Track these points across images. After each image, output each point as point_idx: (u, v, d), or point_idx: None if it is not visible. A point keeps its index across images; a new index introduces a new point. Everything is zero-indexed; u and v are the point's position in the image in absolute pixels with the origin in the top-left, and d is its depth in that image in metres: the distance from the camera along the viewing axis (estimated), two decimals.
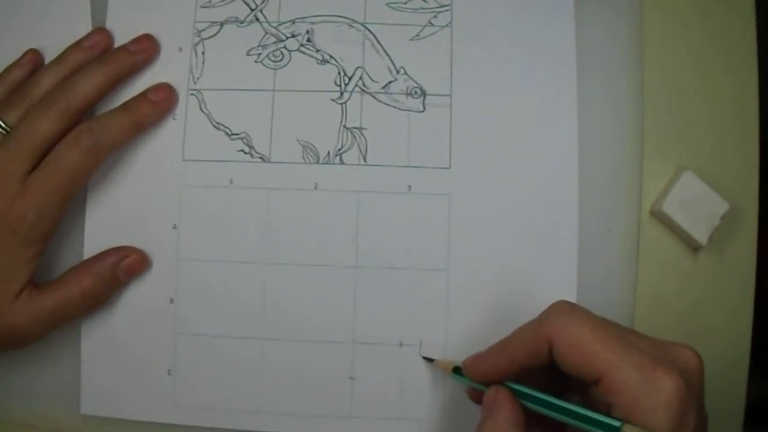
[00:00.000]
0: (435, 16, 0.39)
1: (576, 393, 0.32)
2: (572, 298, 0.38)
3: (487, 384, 0.32)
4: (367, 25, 0.40)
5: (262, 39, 0.40)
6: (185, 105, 0.39)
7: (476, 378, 0.33)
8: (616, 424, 0.28)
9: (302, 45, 0.40)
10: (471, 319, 0.38)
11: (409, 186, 0.38)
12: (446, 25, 0.39)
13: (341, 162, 0.39)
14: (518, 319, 0.38)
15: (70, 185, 0.36)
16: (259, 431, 0.38)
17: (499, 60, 0.39)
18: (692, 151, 0.40)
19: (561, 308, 0.31)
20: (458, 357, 0.38)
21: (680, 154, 0.40)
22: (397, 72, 0.39)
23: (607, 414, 0.28)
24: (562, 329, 0.29)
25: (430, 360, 0.37)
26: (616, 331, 0.29)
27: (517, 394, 0.31)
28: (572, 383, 0.32)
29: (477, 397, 0.34)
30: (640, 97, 0.40)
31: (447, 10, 0.40)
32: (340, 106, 0.39)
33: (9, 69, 0.39)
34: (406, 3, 0.40)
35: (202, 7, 0.40)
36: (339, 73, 0.39)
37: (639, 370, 0.28)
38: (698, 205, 0.38)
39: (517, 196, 0.38)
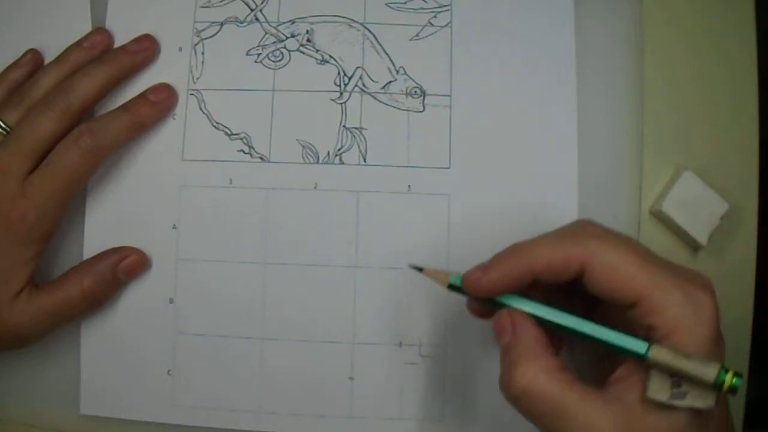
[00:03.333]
0: (435, 16, 0.39)
1: (582, 310, 0.31)
2: None
3: (487, 298, 0.31)
4: (366, 25, 0.40)
5: (262, 39, 0.40)
6: (185, 105, 0.39)
7: (480, 292, 0.31)
8: (642, 348, 0.28)
9: (302, 45, 0.40)
10: (470, 319, 0.38)
11: (409, 186, 0.38)
12: (446, 25, 0.39)
13: (341, 162, 0.39)
14: None
15: (70, 185, 0.36)
16: (258, 431, 0.38)
17: (499, 60, 0.39)
18: (692, 151, 0.40)
19: (594, 231, 0.30)
20: (457, 361, 0.38)
21: (680, 154, 0.40)
22: (397, 72, 0.39)
23: (642, 336, 0.28)
24: (599, 252, 0.29)
25: (419, 269, 0.33)
26: (647, 253, 0.29)
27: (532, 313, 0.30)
28: (578, 301, 0.31)
29: (479, 310, 0.33)
30: (639, 97, 0.40)
31: (447, 10, 0.40)
32: (339, 106, 0.39)
33: (9, 69, 0.39)
34: (405, 3, 0.40)
35: (202, 7, 0.40)
36: (339, 73, 0.39)
37: (680, 290, 0.28)
38: (698, 205, 0.38)
39: (516, 196, 0.38)
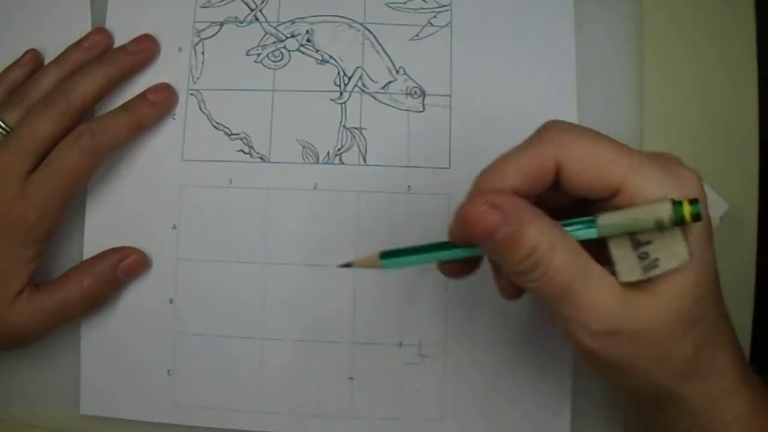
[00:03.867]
0: (435, 16, 0.39)
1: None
2: None
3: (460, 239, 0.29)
4: (366, 25, 0.40)
5: (262, 39, 0.40)
6: (185, 105, 0.39)
7: (469, 230, 0.27)
8: (592, 225, 0.27)
9: (302, 45, 0.40)
10: (470, 319, 0.38)
11: (409, 186, 0.38)
12: (446, 25, 0.39)
13: (341, 162, 0.39)
14: (518, 314, 0.38)
15: (71, 185, 0.36)
16: (258, 431, 0.38)
17: (499, 60, 0.39)
18: (691, 151, 0.40)
19: (560, 126, 0.28)
20: (456, 361, 0.38)
21: (679, 154, 0.39)
22: (397, 72, 0.39)
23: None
24: (572, 144, 0.27)
25: (347, 265, 0.32)
26: (619, 142, 0.28)
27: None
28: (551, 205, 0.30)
29: (450, 269, 0.31)
30: (639, 98, 0.40)
31: (446, 10, 0.40)
32: (339, 106, 0.39)
33: (9, 69, 0.39)
34: (405, 3, 0.40)
35: (202, 7, 0.40)
36: (338, 73, 0.39)
37: (660, 168, 0.27)
38: None
39: None
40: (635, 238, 0.27)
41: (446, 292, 0.38)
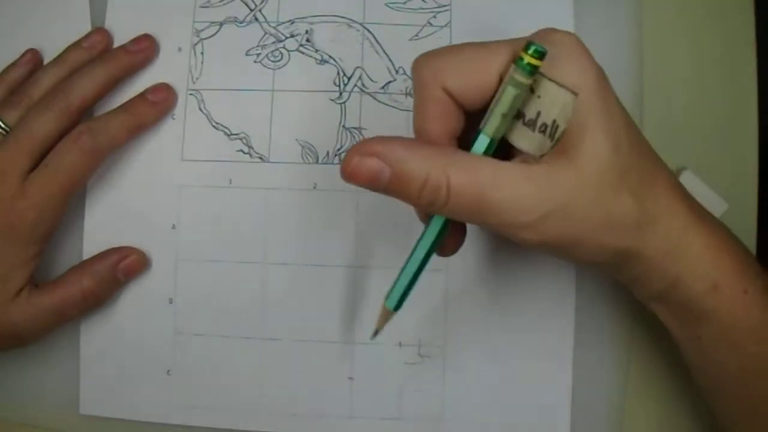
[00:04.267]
0: (434, 16, 0.39)
1: None
2: (571, 307, 0.38)
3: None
4: (366, 25, 0.40)
5: (261, 39, 0.40)
6: (184, 105, 0.39)
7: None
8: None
9: (301, 45, 0.40)
10: (470, 319, 0.38)
11: None
12: (445, 25, 0.39)
13: (340, 162, 0.39)
14: (517, 314, 0.38)
15: (70, 185, 0.36)
16: (258, 431, 0.38)
17: None
18: (690, 151, 0.40)
19: (426, 57, 0.29)
20: (456, 361, 0.38)
21: (678, 154, 0.39)
22: (397, 72, 0.39)
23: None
24: (445, 66, 0.28)
25: (375, 333, 0.33)
26: (488, 43, 0.29)
27: None
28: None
29: (441, 251, 0.32)
30: (639, 98, 0.40)
31: (446, 10, 0.40)
32: (339, 106, 0.39)
33: (8, 69, 0.39)
34: (405, 3, 0.40)
35: (201, 7, 0.40)
36: (338, 73, 0.39)
37: (521, 43, 0.28)
38: None
39: None
40: (528, 120, 0.28)
41: (446, 293, 0.38)
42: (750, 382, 0.31)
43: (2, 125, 0.37)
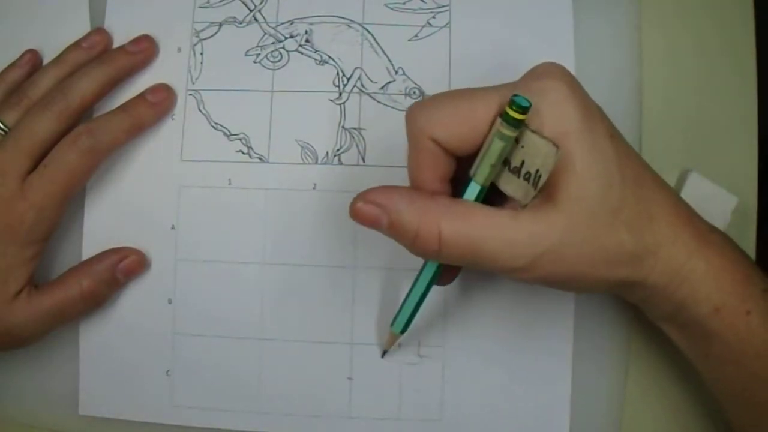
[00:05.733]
0: (433, 17, 0.39)
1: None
2: (570, 307, 0.38)
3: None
4: (365, 26, 0.40)
5: (261, 39, 0.40)
6: (184, 105, 0.39)
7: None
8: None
9: (301, 45, 0.40)
10: (469, 320, 0.38)
11: None
12: (445, 26, 0.39)
13: (340, 162, 0.39)
14: (516, 314, 0.38)
15: (69, 186, 0.36)
16: (257, 431, 0.38)
17: (498, 61, 0.39)
18: (690, 152, 0.40)
19: (416, 108, 0.31)
20: (455, 361, 0.38)
21: (678, 155, 0.39)
22: (396, 72, 0.39)
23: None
24: (432, 119, 0.30)
25: (384, 353, 0.38)
26: (476, 89, 0.30)
27: None
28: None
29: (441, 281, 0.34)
30: (638, 97, 0.40)
31: (445, 11, 0.39)
32: (338, 106, 0.39)
33: (7, 69, 0.39)
34: (404, 3, 0.40)
35: (201, 7, 0.40)
36: (337, 74, 0.39)
37: (510, 91, 0.29)
38: (708, 204, 0.38)
39: None
40: (513, 167, 0.29)
41: (445, 293, 0.38)
42: (756, 393, 0.31)
43: (1, 126, 0.37)
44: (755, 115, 0.40)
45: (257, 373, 0.38)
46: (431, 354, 0.38)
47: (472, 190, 0.30)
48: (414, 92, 0.39)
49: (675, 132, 0.40)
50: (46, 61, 0.40)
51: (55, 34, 0.40)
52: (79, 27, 0.40)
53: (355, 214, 0.30)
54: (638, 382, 0.39)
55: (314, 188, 0.39)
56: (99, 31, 0.40)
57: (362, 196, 0.30)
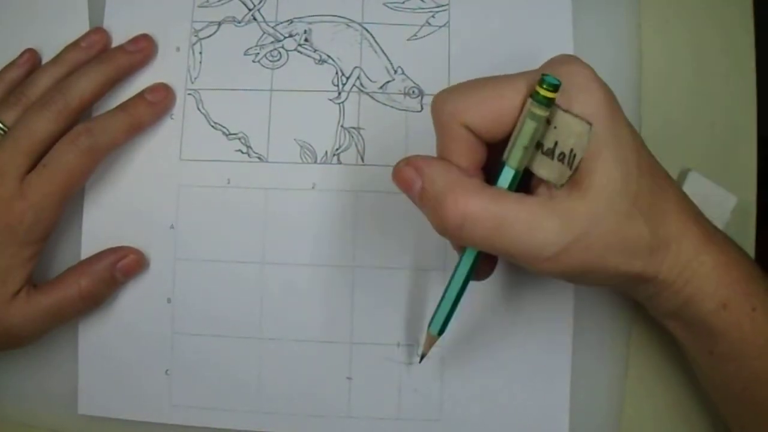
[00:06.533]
0: (433, 16, 0.39)
1: None
2: (569, 307, 0.38)
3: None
4: (364, 25, 0.40)
5: (260, 39, 0.40)
6: (183, 105, 0.39)
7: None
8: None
9: (300, 45, 0.40)
10: (468, 319, 0.38)
11: None
12: (444, 25, 0.39)
13: (339, 162, 0.39)
14: (516, 314, 0.38)
15: (68, 186, 0.36)
16: (256, 431, 0.38)
17: (497, 60, 0.39)
18: (689, 152, 0.40)
19: (443, 97, 0.30)
20: (454, 361, 0.38)
21: (677, 155, 0.39)
22: (395, 72, 0.39)
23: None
24: (463, 104, 0.29)
25: (422, 357, 0.36)
26: (501, 77, 0.30)
27: None
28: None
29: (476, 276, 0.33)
30: (638, 98, 0.40)
31: (444, 10, 0.39)
32: (337, 106, 0.39)
33: (6, 69, 0.39)
34: (403, 3, 0.40)
35: (200, 6, 0.40)
36: (336, 73, 0.39)
37: (537, 74, 0.28)
38: (708, 203, 0.38)
39: None
40: (546, 149, 0.29)
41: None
42: (757, 392, 0.31)
43: (0, 125, 0.37)
44: (754, 115, 0.40)
45: (256, 373, 0.38)
46: (430, 354, 0.38)
47: (506, 175, 0.29)
48: (413, 92, 0.39)
49: (675, 131, 0.40)
50: (45, 60, 0.40)
51: (55, 33, 0.40)
52: (78, 26, 0.40)
53: (395, 174, 0.30)
54: (638, 377, 0.39)
55: (313, 188, 0.39)
56: (98, 31, 0.40)
57: (406, 159, 0.30)
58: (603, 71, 0.39)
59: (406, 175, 0.30)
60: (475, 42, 0.39)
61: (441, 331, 0.34)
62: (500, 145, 0.30)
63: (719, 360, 0.32)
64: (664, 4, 0.40)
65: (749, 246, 0.39)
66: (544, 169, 0.29)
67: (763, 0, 0.41)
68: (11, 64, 0.39)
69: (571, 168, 0.28)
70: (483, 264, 0.32)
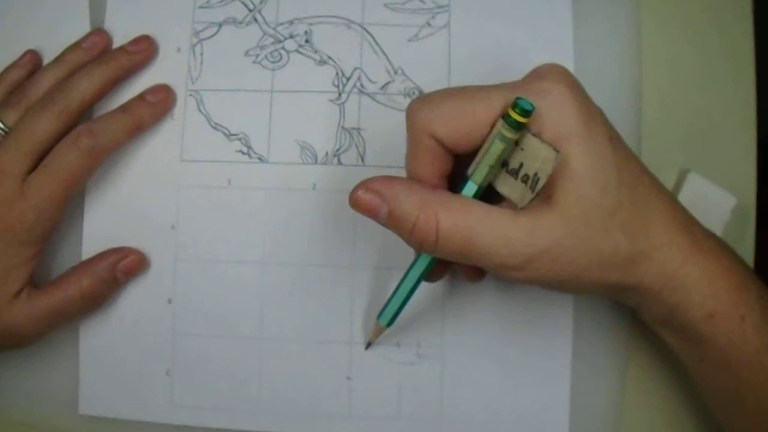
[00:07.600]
0: (433, 17, 0.40)
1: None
2: (569, 307, 0.38)
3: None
4: (365, 26, 0.40)
5: (261, 40, 0.40)
6: (183, 105, 0.39)
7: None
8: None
9: (300, 46, 0.40)
10: (468, 319, 0.38)
11: None
12: (444, 26, 0.39)
13: (339, 163, 0.39)
14: (515, 314, 0.38)
15: (69, 186, 0.36)
16: (256, 431, 0.38)
17: (497, 61, 0.39)
18: (689, 152, 0.40)
19: (416, 105, 0.31)
20: (454, 361, 0.38)
21: (677, 155, 0.40)
22: (395, 73, 0.39)
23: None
24: (433, 115, 0.30)
25: (368, 345, 0.37)
26: (477, 88, 0.30)
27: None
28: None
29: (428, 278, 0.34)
30: (638, 99, 0.40)
31: (445, 11, 0.40)
32: (338, 106, 0.39)
33: (8, 70, 0.39)
34: (404, 4, 0.40)
35: (201, 7, 0.40)
36: (337, 74, 0.39)
37: (512, 92, 0.29)
38: (707, 203, 0.38)
39: None
40: (511, 168, 0.29)
41: (444, 293, 0.38)
42: (748, 399, 0.31)
43: (1, 126, 0.37)
44: (754, 115, 0.40)
45: (257, 373, 0.38)
46: (430, 354, 0.38)
47: (469, 189, 0.30)
48: (413, 92, 0.39)
49: (674, 132, 0.40)
50: (46, 61, 0.40)
51: (56, 34, 0.40)
52: (79, 27, 0.40)
53: (355, 203, 0.30)
54: (637, 381, 0.39)
55: (314, 188, 0.39)
56: (99, 32, 0.40)
57: (363, 185, 0.30)
58: (603, 72, 0.40)
59: (369, 202, 0.30)
60: (475, 43, 0.39)
61: (389, 323, 0.35)
62: (469, 155, 0.30)
63: (709, 367, 0.32)
64: (664, 5, 0.40)
65: (749, 247, 0.39)
66: (507, 187, 0.30)
67: (763, 1, 0.41)
68: (12, 65, 0.40)
69: (533, 191, 0.28)
70: (437, 268, 0.33)
